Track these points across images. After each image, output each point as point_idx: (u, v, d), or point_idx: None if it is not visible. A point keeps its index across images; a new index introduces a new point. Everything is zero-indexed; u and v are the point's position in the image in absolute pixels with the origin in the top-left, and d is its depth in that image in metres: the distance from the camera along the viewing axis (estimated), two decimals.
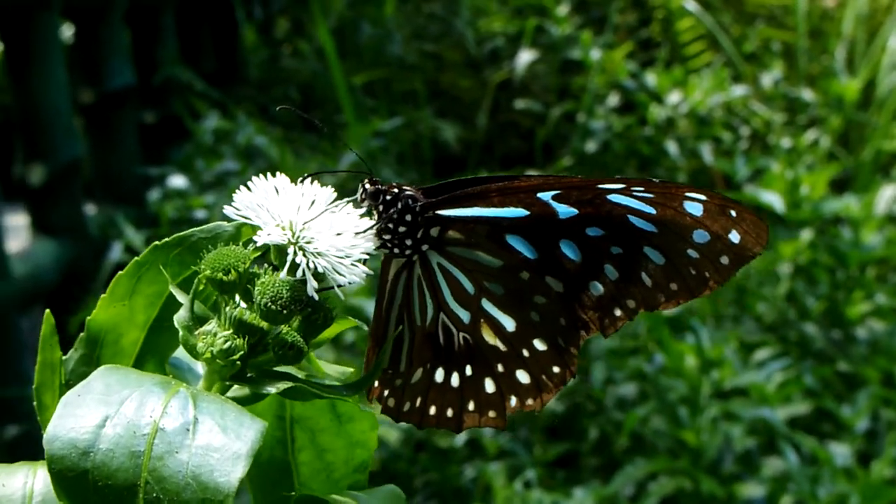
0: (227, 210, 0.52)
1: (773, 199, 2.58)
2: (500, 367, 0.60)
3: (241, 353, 0.49)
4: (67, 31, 3.26)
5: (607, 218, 0.59)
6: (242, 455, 0.43)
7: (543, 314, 0.59)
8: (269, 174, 0.53)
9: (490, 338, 0.59)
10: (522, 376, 0.60)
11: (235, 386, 0.51)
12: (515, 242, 0.59)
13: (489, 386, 0.60)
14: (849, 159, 3.46)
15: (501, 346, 0.59)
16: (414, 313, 0.59)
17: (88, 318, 0.54)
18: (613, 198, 0.58)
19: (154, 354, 0.56)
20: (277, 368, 0.52)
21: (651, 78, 3.49)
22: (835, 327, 2.47)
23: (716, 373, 2.09)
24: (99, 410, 0.44)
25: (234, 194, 0.52)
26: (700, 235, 0.58)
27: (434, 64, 4.36)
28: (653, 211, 0.58)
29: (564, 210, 0.58)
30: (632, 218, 0.58)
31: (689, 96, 3.40)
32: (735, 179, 2.95)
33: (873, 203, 2.62)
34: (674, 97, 3.42)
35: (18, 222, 2.91)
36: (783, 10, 4.13)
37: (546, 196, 0.58)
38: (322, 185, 0.54)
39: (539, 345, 0.59)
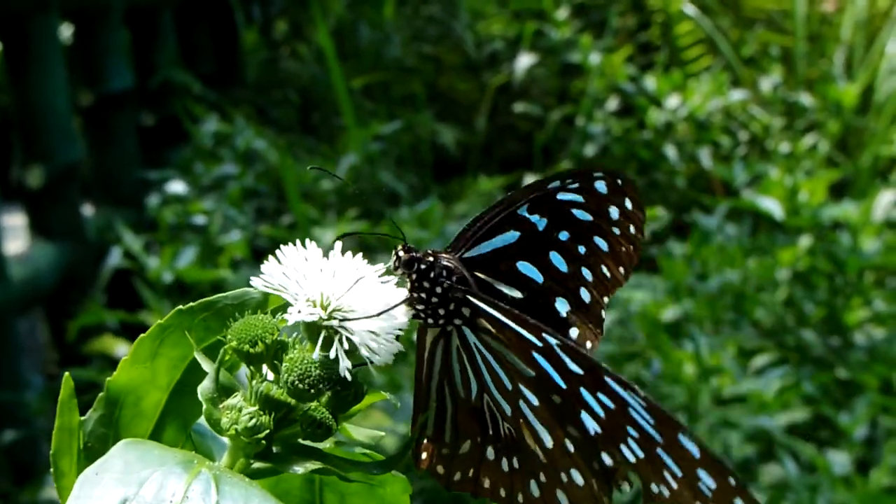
0: (255, 281, 0.50)
1: (772, 205, 2.58)
2: (542, 478, 0.56)
3: (267, 431, 0.48)
4: (66, 32, 3.26)
5: (565, 218, 0.58)
6: None
7: (578, 447, 0.54)
8: (299, 243, 0.51)
9: (531, 442, 0.55)
10: (562, 498, 0.56)
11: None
12: (526, 269, 0.58)
13: (535, 489, 0.56)
14: (847, 164, 3.46)
15: (542, 457, 0.55)
16: (455, 384, 0.56)
17: (109, 379, 0.53)
18: (560, 196, 0.58)
19: (176, 417, 0.54)
20: (304, 441, 0.50)
21: (650, 82, 3.49)
22: (833, 334, 2.47)
23: (714, 380, 2.09)
24: (117, 491, 0.42)
25: (262, 265, 0.50)
26: (613, 211, 0.58)
27: (433, 67, 4.36)
28: (583, 200, 0.58)
29: (539, 221, 0.58)
30: (575, 211, 0.58)
31: (688, 100, 3.41)
32: (733, 185, 2.95)
33: (871, 209, 2.62)
34: (673, 101, 3.42)
35: (16, 223, 2.91)
36: (782, 15, 4.13)
37: (523, 210, 0.58)
38: (352, 252, 0.52)
39: (576, 476, 0.55)
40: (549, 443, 0.54)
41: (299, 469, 0.48)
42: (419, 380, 0.56)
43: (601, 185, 0.58)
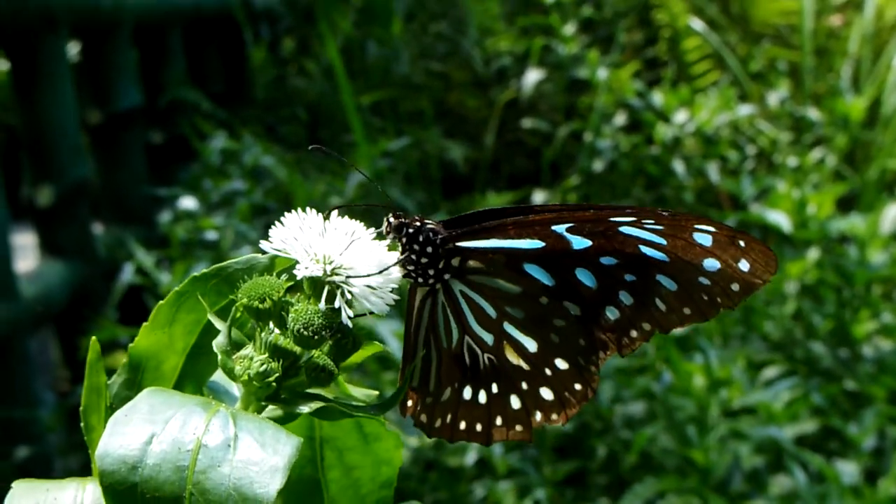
0: (264, 244, 0.56)
1: (780, 219, 2.59)
2: (524, 385, 0.63)
3: (276, 375, 0.53)
4: (73, 50, 3.27)
5: (620, 248, 0.62)
6: (280, 468, 0.46)
7: (563, 335, 0.62)
8: (300, 209, 0.57)
9: (513, 358, 0.62)
10: (546, 393, 0.63)
11: (270, 407, 0.54)
12: (533, 270, 0.63)
13: (515, 403, 0.63)
14: (854, 178, 3.46)
15: (524, 366, 0.63)
16: (440, 336, 0.63)
17: (131, 345, 0.58)
18: (625, 230, 0.61)
19: (192, 379, 0.59)
20: (309, 390, 0.55)
21: (658, 97, 3.49)
22: (842, 346, 2.47)
23: (724, 392, 2.09)
24: (145, 429, 0.47)
25: (270, 230, 0.56)
26: (710, 264, 0.62)
27: (441, 83, 4.37)
28: (663, 242, 0.61)
29: (578, 241, 0.62)
30: (643, 248, 0.62)
31: (696, 115, 3.41)
32: (741, 199, 2.95)
33: (879, 222, 2.62)
34: (680, 116, 3.42)
35: (26, 242, 2.92)
36: (789, 30, 4.14)
37: (560, 229, 0.62)
38: (349, 218, 0.58)
39: (560, 364, 0.63)
40: (532, 347, 0.62)
41: (305, 409, 0.53)
42: (408, 334, 0.63)
43: (703, 238, 0.61)
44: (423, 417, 0.64)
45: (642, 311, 0.63)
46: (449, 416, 0.64)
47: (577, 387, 0.63)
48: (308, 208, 0.57)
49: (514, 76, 4.22)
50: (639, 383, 2.27)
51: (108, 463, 0.46)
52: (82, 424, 0.57)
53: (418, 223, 0.62)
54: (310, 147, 0.74)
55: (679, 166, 3.39)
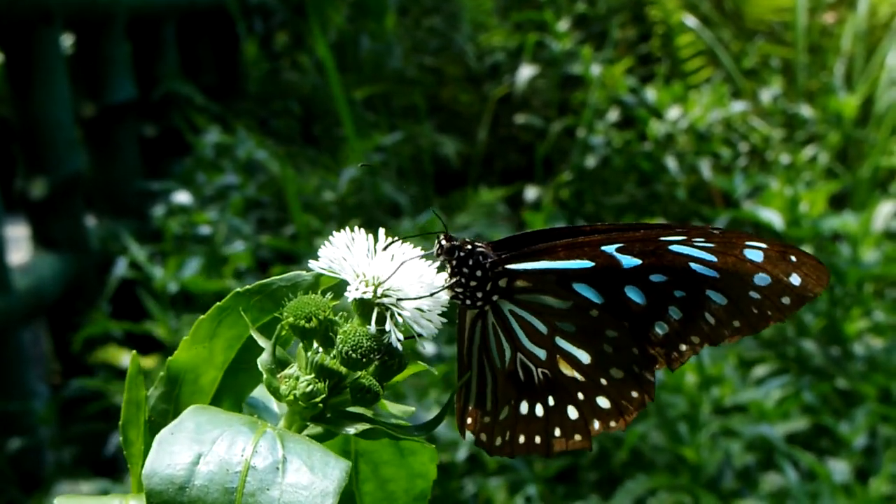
0: (312, 264, 0.56)
1: (773, 217, 2.59)
2: (580, 396, 0.64)
3: (323, 396, 0.53)
4: (67, 41, 3.26)
5: (670, 266, 0.63)
6: (330, 493, 0.46)
7: (616, 346, 0.63)
8: (348, 229, 0.56)
9: (568, 371, 0.63)
10: (603, 402, 0.64)
11: (310, 424, 0.55)
12: (581, 289, 0.64)
13: (572, 413, 0.64)
14: (847, 175, 3.47)
15: (579, 377, 0.64)
16: (493, 356, 0.64)
17: (170, 358, 0.57)
18: (675, 248, 0.63)
19: (230, 394, 0.59)
20: (351, 408, 0.55)
21: (651, 93, 3.49)
22: (833, 344, 2.47)
23: (716, 390, 2.10)
24: (192, 448, 0.47)
25: (319, 249, 0.56)
26: (761, 279, 0.63)
27: (434, 78, 4.37)
28: (714, 259, 0.63)
29: (628, 261, 0.63)
30: (693, 265, 0.63)
31: (689, 112, 3.41)
32: (734, 196, 2.96)
33: (871, 220, 2.63)
34: (673, 113, 3.43)
35: (18, 233, 2.92)
36: (782, 27, 4.14)
37: (610, 249, 0.63)
38: (400, 240, 0.58)
39: (615, 373, 0.64)
40: (586, 359, 0.63)
41: (351, 430, 0.53)
42: (461, 356, 0.64)
43: (754, 254, 0.63)
44: (483, 437, 0.65)
45: (691, 325, 0.64)
46: (508, 434, 0.65)
47: (634, 394, 0.64)
48: (356, 228, 0.57)
49: (507, 72, 4.22)
50: None
51: (155, 482, 0.46)
52: (121, 438, 0.57)
53: (469, 246, 0.62)
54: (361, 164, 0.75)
55: (672, 163, 3.40)
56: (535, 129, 3.94)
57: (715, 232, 0.63)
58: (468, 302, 0.62)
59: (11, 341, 2.44)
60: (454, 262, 0.62)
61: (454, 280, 0.61)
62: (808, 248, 2.51)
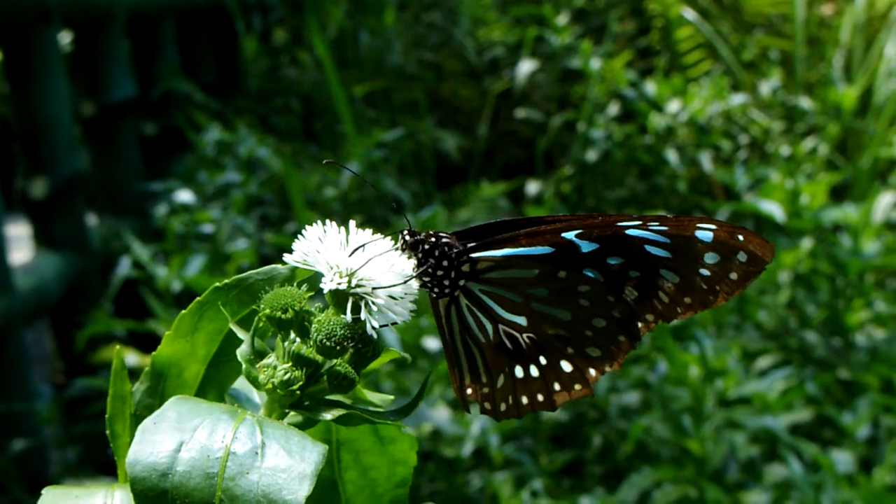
0: (287, 257, 0.57)
1: (774, 209, 2.59)
2: (569, 350, 0.67)
3: (300, 383, 0.54)
4: (66, 39, 3.26)
5: (626, 248, 0.66)
6: (308, 475, 0.47)
7: (591, 299, 0.66)
8: (320, 221, 0.58)
9: (551, 330, 0.66)
10: (593, 351, 0.67)
11: (291, 413, 0.56)
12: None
13: (566, 366, 0.67)
14: (847, 167, 3.47)
15: (564, 334, 0.66)
16: (476, 335, 0.66)
17: (153, 354, 0.59)
18: (631, 232, 0.65)
19: (214, 386, 0.60)
20: (329, 397, 0.57)
21: (651, 87, 3.50)
22: (835, 335, 2.48)
23: (719, 382, 2.10)
24: (174, 437, 0.48)
25: (293, 243, 0.57)
26: (711, 257, 0.66)
27: (434, 74, 4.37)
28: (667, 241, 0.66)
29: (587, 245, 0.65)
30: (648, 247, 0.66)
31: (689, 105, 3.42)
32: (735, 189, 2.96)
33: (871, 211, 2.63)
34: (673, 106, 3.43)
35: (20, 232, 2.92)
36: (781, 19, 4.15)
37: (570, 235, 0.65)
38: (368, 230, 0.59)
39: (598, 322, 0.66)
40: (566, 317, 0.66)
41: (328, 416, 0.55)
42: (444, 342, 0.66)
43: (704, 234, 0.66)
44: (487, 405, 0.67)
45: (646, 303, 0.67)
46: (510, 398, 0.67)
47: (621, 338, 0.67)
48: (328, 220, 0.58)
49: (506, 66, 4.23)
50: (634, 373, 2.28)
51: (138, 470, 0.47)
52: (108, 432, 0.59)
53: (433, 239, 0.64)
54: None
55: (672, 156, 3.40)
56: (536, 124, 3.95)
57: (670, 217, 0.65)
58: (436, 290, 0.64)
59: (14, 342, 2.44)
60: (420, 256, 0.63)
61: (422, 269, 0.63)
62: (809, 240, 2.52)
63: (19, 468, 2.37)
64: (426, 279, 0.64)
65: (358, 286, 0.56)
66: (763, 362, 2.32)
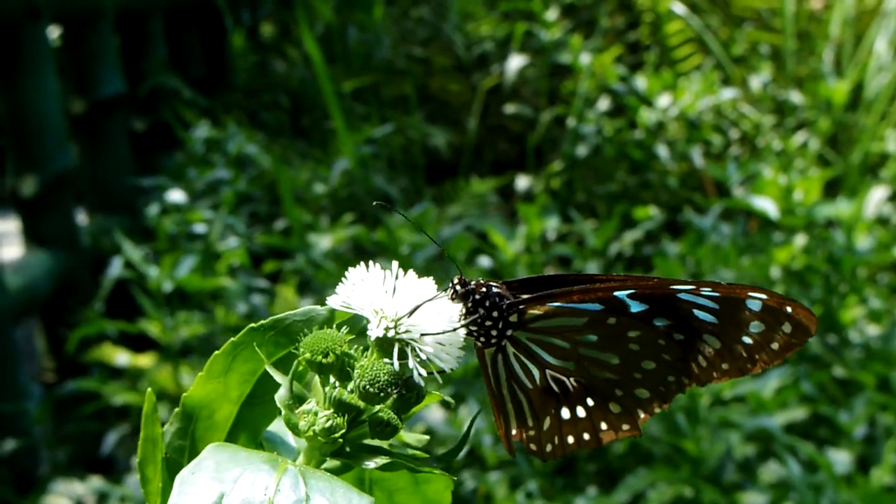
0: (330, 300, 0.56)
1: (767, 205, 2.59)
2: (618, 392, 0.66)
3: (342, 431, 0.53)
4: (54, 34, 3.25)
5: (674, 311, 0.66)
6: None
7: (642, 342, 0.65)
8: (362, 264, 0.57)
9: (599, 373, 0.66)
10: (642, 393, 0.66)
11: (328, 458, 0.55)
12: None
13: (614, 408, 0.67)
14: (838, 161, 3.47)
15: (613, 377, 0.66)
16: (522, 381, 0.65)
17: (185, 394, 0.58)
18: (683, 296, 0.65)
19: (246, 428, 0.59)
20: (368, 441, 0.55)
21: (641, 81, 3.49)
22: (829, 332, 2.48)
23: None
24: (213, 488, 0.47)
25: (338, 287, 0.56)
26: (756, 326, 0.66)
27: (423, 69, 4.37)
28: (716, 307, 0.65)
29: (636, 305, 0.65)
30: (696, 312, 0.65)
31: (679, 99, 3.41)
32: (727, 185, 2.96)
33: (863, 206, 2.63)
34: (663, 100, 3.43)
35: (9, 228, 2.91)
36: (771, 13, 4.14)
37: (622, 294, 0.65)
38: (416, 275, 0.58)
39: (647, 365, 0.66)
40: (615, 360, 0.65)
41: (371, 464, 0.53)
42: (491, 389, 0.66)
43: (754, 304, 0.65)
44: (533, 447, 0.67)
45: (685, 366, 0.67)
46: (556, 439, 0.67)
47: (671, 379, 0.66)
48: (371, 262, 0.57)
49: (496, 61, 4.22)
50: None
51: None
52: (139, 476, 0.57)
53: (484, 289, 0.63)
54: (374, 203, 0.76)
55: (663, 151, 3.40)
56: (525, 119, 3.94)
57: (723, 284, 0.65)
58: (482, 339, 0.64)
59: (4, 340, 2.43)
60: (470, 306, 0.62)
61: (472, 318, 0.62)
62: (802, 236, 2.52)
63: (9, 468, 2.36)
64: (473, 328, 0.63)
65: (405, 332, 0.55)
66: None
